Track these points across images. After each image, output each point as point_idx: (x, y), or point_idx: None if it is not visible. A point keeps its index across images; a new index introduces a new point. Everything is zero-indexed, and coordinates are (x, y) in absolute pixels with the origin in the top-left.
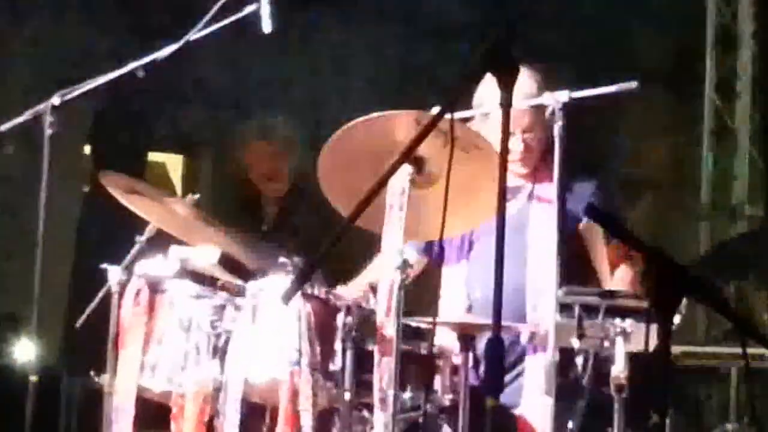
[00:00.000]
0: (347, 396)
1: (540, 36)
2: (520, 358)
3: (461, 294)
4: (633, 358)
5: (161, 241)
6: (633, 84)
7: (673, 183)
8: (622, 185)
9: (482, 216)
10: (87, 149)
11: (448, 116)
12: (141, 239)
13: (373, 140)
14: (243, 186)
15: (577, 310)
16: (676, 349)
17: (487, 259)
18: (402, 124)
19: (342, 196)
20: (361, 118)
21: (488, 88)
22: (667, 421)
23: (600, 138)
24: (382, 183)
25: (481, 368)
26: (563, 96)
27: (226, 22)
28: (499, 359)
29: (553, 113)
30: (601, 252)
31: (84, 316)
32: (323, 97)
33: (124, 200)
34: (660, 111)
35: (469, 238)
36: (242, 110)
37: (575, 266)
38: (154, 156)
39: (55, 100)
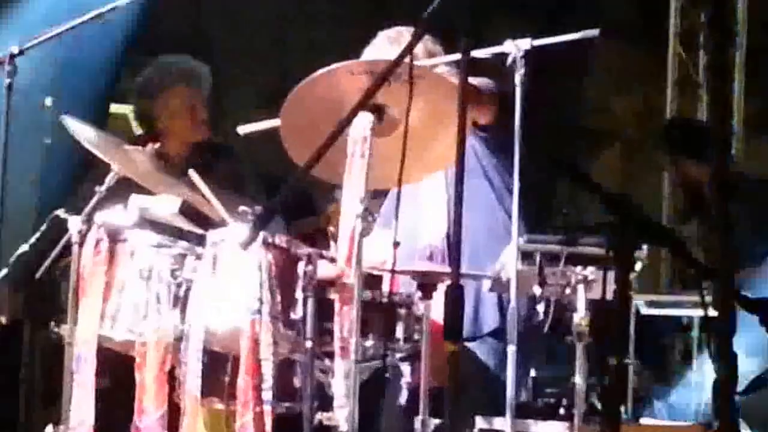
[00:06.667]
0: (308, 344)
1: None
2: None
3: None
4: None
5: (122, 191)
6: (595, 31)
7: (638, 134)
8: (588, 136)
9: (443, 161)
10: (48, 101)
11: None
12: (101, 189)
13: (334, 93)
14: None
15: (538, 257)
16: (639, 298)
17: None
18: (360, 74)
19: (306, 153)
20: (319, 72)
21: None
22: (631, 368)
23: (566, 89)
24: (339, 132)
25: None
26: (525, 44)
27: None
28: (460, 306)
29: (514, 61)
30: None
31: (44, 266)
32: (289, 48)
33: (87, 145)
34: (626, 62)
35: None
36: (206, 61)
37: None
38: (116, 108)
39: (14, 48)
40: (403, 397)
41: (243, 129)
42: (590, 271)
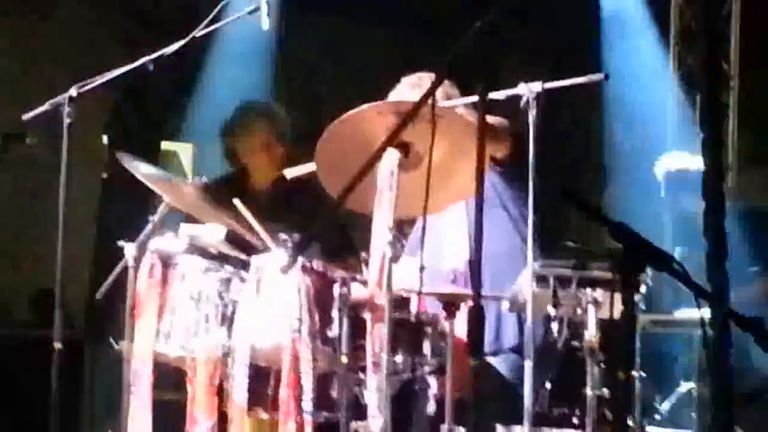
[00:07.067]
0: (344, 360)
1: (512, 31)
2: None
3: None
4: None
5: (172, 220)
6: (601, 75)
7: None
8: (595, 169)
9: (463, 193)
10: (104, 139)
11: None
12: (153, 219)
13: (364, 131)
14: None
15: (552, 281)
16: (645, 318)
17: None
18: (387, 113)
19: (340, 187)
20: (349, 112)
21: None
22: (637, 381)
23: (573, 124)
24: (369, 167)
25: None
26: (536, 86)
27: (229, 20)
28: (481, 324)
29: (527, 102)
30: None
31: (103, 289)
32: (323, 91)
33: (141, 177)
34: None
35: None
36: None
37: None
38: (166, 145)
39: (73, 91)
40: (430, 408)
41: (289, 172)
42: (599, 293)
